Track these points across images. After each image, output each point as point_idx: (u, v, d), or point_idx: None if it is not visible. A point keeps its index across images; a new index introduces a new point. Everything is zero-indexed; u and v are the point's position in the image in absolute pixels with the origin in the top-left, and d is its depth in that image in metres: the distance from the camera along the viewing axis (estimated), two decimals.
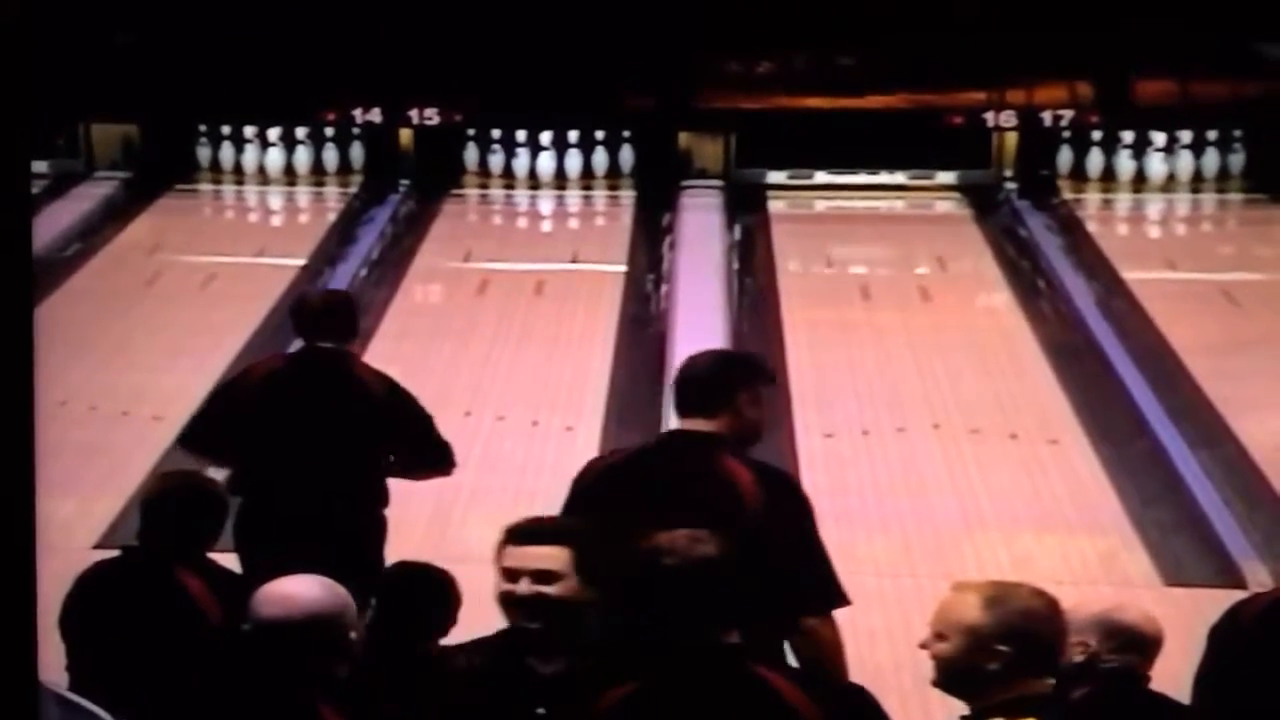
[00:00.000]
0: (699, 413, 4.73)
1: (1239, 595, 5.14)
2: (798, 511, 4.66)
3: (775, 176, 15.53)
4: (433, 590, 4.82)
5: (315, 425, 6.19)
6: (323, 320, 6.30)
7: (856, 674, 4.62)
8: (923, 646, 3.74)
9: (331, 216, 14.76)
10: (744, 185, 15.18)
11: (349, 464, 6.20)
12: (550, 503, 8.88)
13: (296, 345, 6.54)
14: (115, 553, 5.20)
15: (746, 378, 4.82)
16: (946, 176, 15.52)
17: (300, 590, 3.83)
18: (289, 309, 6.51)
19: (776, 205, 15.04)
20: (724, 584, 3.68)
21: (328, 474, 6.14)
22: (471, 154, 15.67)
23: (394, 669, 4.59)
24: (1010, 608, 3.65)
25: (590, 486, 4.85)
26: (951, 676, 3.72)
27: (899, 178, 15.52)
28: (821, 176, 15.55)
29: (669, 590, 3.67)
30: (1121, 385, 10.32)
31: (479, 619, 7.08)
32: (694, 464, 4.65)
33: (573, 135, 15.55)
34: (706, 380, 4.79)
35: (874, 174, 15.51)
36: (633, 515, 4.31)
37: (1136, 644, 4.43)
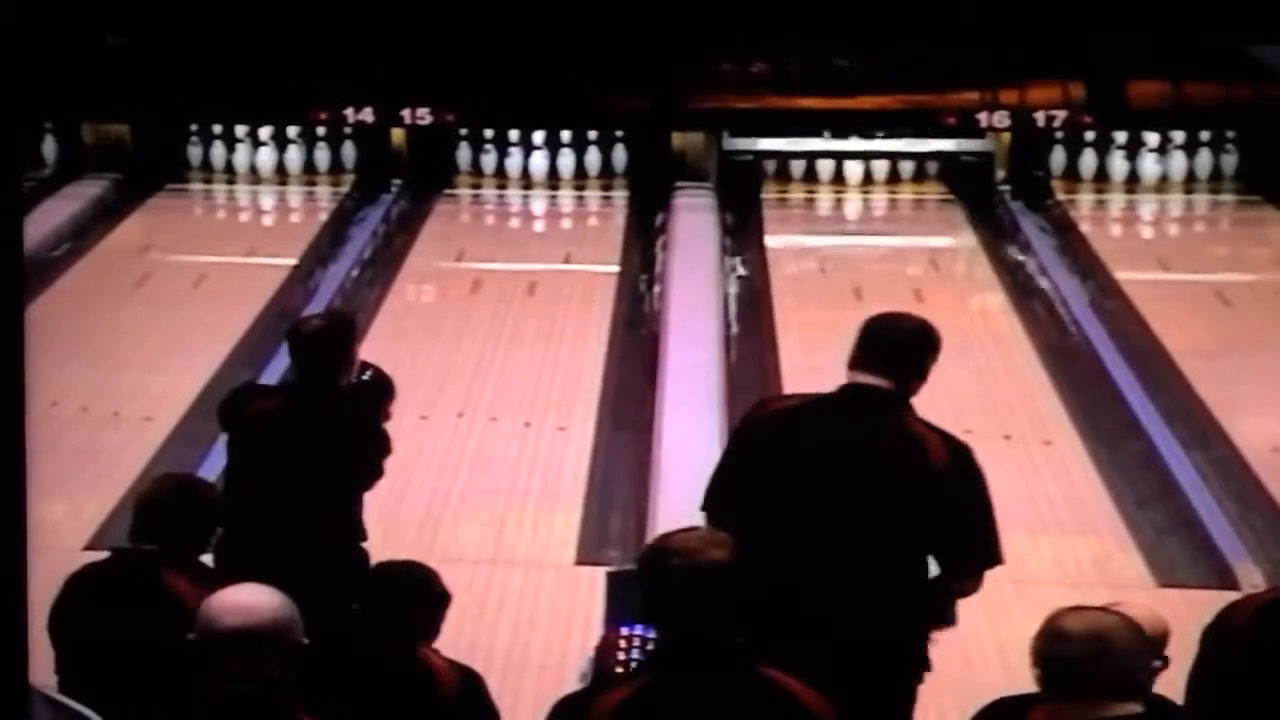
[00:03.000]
0: (884, 372, 4.91)
1: (1232, 597, 5.12)
2: (978, 475, 4.89)
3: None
4: (417, 589, 4.74)
5: (298, 468, 6.04)
6: (315, 354, 6.12)
7: None
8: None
9: (323, 216, 14.70)
10: (737, 185, 15.11)
11: (327, 505, 6.06)
12: (544, 502, 8.96)
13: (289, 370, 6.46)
14: (104, 554, 5.17)
15: (935, 351, 5.01)
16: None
17: (258, 599, 3.87)
18: (285, 335, 6.39)
19: (770, 205, 14.99)
20: (730, 589, 3.71)
21: (306, 515, 6.01)
22: (464, 154, 15.62)
23: (379, 670, 4.56)
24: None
25: (766, 429, 5.00)
26: None
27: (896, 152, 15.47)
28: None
29: (675, 592, 3.70)
30: (1115, 386, 10.30)
31: (474, 619, 7.13)
32: (878, 416, 4.88)
33: (566, 135, 15.52)
34: (904, 344, 4.97)
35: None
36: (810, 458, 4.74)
37: None
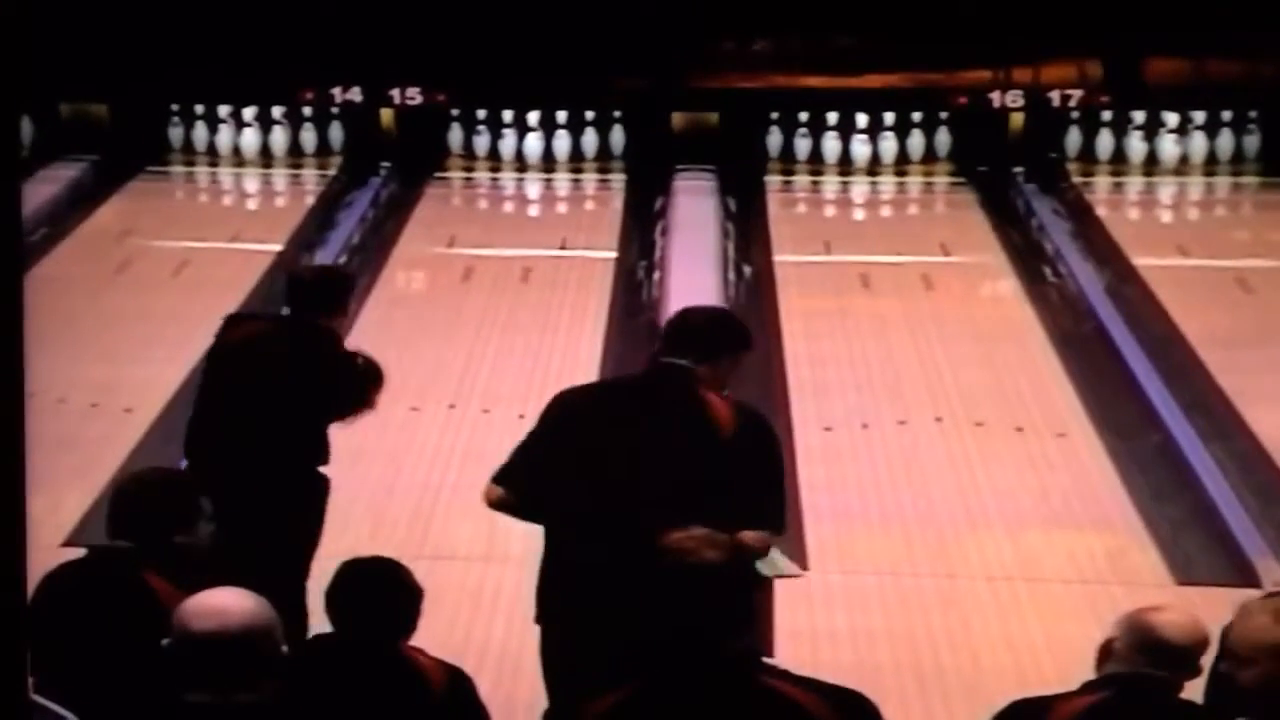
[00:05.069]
0: (684, 356, 5.30)
1: (1252, 593, 5.04)
2: (769, 444, 5.27)
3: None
4: (391, 584, 4.65)
5: (268, 390, 6.51)
6: (309, 294, 6.64)
7: (856, 676, 4.57)
8: (1225, 672, 3.70)
9: (310, 200, 14.76)
10: (740, 168, 15.04)
11: (293, 426, 6.51)
12: None
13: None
14: (82, 552, 5.09)
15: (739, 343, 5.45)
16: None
17: (233, 603, 3.79)
18: (285, 280, 6.88)
19: (774, 189, 15.01)
20: (727, 590, 3.69)
21: (271, 435, 6.46)
22: (456, 135, 15.64)
23: (365, 670, 4.51)
24: None
25: (574, 404, 5.49)
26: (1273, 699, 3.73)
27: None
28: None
29: (670, 592, 3.73)
30: (1131, 376, 10.29)
31: (467, 616, 6.97)
32: (675, 391, 5.26)
33: (562, 116, 15.53)
34: (701, 331, 5.40)
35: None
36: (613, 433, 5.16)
37: (1163, 654, 4.28)
